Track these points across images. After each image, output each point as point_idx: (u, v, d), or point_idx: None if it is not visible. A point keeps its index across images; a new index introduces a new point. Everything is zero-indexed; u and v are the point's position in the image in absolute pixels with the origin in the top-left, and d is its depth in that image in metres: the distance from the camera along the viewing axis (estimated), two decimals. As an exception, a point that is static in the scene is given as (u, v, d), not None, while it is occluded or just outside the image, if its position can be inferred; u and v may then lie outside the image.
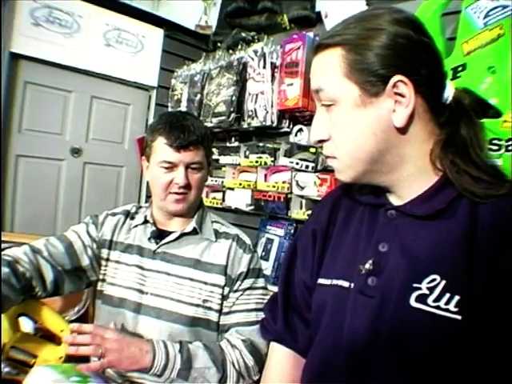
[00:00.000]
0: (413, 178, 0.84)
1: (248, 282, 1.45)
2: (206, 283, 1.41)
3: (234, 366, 1.32)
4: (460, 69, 1.38)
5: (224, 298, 1.42)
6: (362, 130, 0.80)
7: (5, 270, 1.20)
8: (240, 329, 1.39)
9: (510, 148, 1.27)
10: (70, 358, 1.35)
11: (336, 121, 0.82)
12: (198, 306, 1.39)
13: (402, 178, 0.84)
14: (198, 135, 1.40)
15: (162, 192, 1.42)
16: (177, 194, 1.41)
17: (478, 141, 0.84)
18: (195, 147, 1.40)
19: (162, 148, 1.40)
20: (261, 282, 1.50)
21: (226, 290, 1.42)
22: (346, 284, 0.89)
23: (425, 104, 0.80)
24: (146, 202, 2.83)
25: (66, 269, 1.37)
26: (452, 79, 1.38)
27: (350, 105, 0.79)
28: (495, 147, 1.28)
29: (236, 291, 1.43)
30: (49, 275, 1.32)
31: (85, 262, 1.41)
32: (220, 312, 1.42)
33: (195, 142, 1.40)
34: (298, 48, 2.04)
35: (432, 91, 0.81)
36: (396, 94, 0.78)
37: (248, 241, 1.53)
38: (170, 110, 2.96)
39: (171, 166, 1.39)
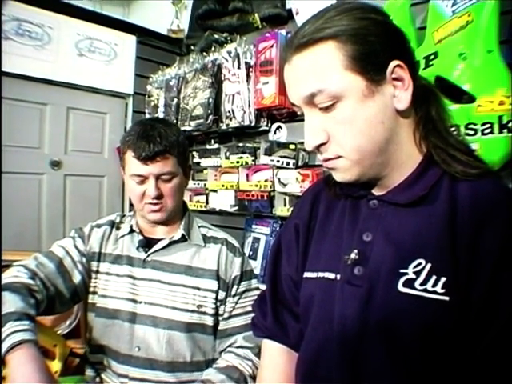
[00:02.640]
0: (403, 165, 0.84)
1: (244, 285, 1.46)
2: (199, 289, 1.40)
3: (251, 377, 1.34)
4: (432, 57, 1.40)
5: (220, 302, 1.42)
6: (371, 120, 0.78)
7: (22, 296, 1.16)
8: (246, 336, 1.40)
9: (485, 132, 1.29)
10: (64, 373, 1.34)
11: (341, 118, 0.78)
12: (192, 311, 1.39)
13: (395, 167, 0.84)
14: (166, 145, 1.36)
15: (137, 203, 1.41)
16: (151, 204, 1.39)
17: (445, 119, 0.87)
18: (163, 157, 1.36)
19: (130, 161, 1.38)
20: (254, 283, 1.50)
21: (221, 294, 1.42)
22: (332, 276, 0.89)
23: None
24: (130, 210, 2.82)
25: (59, 289, 1.33)
26: (424, 68, 1.40)
27: (358, 97, 0.77)
28: (471, 132, 1.30)
29: (234, 295, 1.44)
30: (43, 299, 1.26)
31: (77, 278, 1.38)
32: (215, 316, 1.42)
33: (162, 152, 1.36)
34: (272, 46, 2.05)
35: (414, 73, 0.82)
36: (393, 79, 0.78)
37: (237, 244, 1.52)
38: (147, 116, 2.95)
39: (142, 179, 1.37)
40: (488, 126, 1.29)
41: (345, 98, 0.77)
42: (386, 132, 0.79)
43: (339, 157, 0.82)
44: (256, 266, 2.15)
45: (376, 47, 0.77)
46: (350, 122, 0.78)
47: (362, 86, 0.77)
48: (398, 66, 0.78)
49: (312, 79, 0.78)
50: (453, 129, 0.90)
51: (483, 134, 1.29)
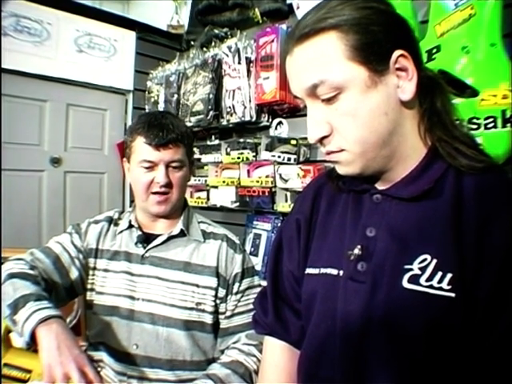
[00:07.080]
0: (408, 158, 0.83)
1: (246, 283, 1.45)
2: (198, 286, 1.39)
3: (256, 373, 1.32)
4: (434, 51, 1.39)
5: (220, 300, 1.41)
6: (375, 111, 0.77)
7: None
8: (249, 333, 1.38)
9: (488, 126, 1.28)
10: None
11: (344, 109, 0.77)
12: (191, 309, 1.38)
13: (400, 160, 0.83)
14: (178, 133, 1.38)
15: (143, 193, 1.39)
16: (158, 194, 1.38)
17: (451, 112, 0.86)
18: (175, 145, 1.38)
19: (141, 147, 1.38)
20: (257, 280, 1.49)
21: (221, 291, 1.41)
22: (334, 272, 0.88)
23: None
24: (131, 207, 2.82)
25: (56, 284, 1.33)
26: (427, 61, 1.39)
27: (361, 88, 0.75)
28: (474, 126, 1.29)
29: (236, 293, 1.42)
30: (44, 288, 1.25)
31: (74, 274, 1.38)
32: (214, 314, 1.41)
33: (174, 139, 1.37)
34: (272, 41, 2.04)
35: (418, 63, 0.81)
36: (397, 69, 0.77)
37: (237, 240, 1.51)
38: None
39: (151, 166, 1.37)
40: (491, 120, 1.28)
41: (347, 89, 0.76)
42: (389, 123, 0.78)
43: (342, 150, 0.80)
44: (257, 262, 2.14)
45: (378, 37, 0.75)
46: (353, 114, 0.77)
47: (365, 76, 0.75)
48: (401, 55, 0.77)
49: (314, 70, 0.77)
50: (457, 122, 0.89)
51: (486, 128, 1.28)
